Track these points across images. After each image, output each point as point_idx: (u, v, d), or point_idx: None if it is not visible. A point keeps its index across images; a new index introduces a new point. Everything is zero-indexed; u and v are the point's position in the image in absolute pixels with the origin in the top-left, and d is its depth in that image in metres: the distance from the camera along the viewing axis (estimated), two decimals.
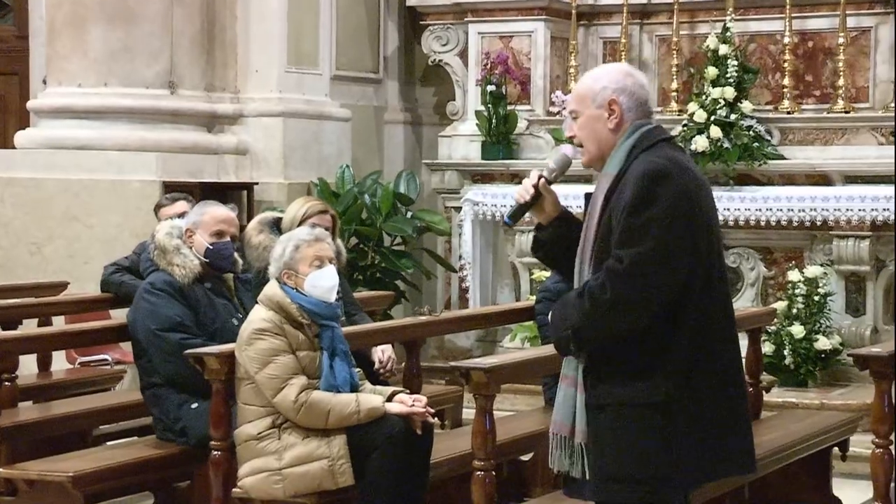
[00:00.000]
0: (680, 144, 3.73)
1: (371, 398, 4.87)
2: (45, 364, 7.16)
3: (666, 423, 3.44)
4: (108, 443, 6.19)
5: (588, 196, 3.64)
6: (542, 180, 3.68)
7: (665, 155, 3.54)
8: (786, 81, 8.66)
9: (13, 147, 9.07)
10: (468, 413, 5.77)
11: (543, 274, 8.29)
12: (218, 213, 5.66)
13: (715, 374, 3.51)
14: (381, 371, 5.84)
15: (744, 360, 6.31)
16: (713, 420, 3.50)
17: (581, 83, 3.68)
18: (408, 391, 5.08)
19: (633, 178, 3.49)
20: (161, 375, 5.41)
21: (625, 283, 3.43)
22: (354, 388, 4.96)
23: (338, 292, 5.20)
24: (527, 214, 3.79)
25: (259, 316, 4.94)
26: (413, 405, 4.88)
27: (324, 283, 4.98)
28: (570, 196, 3.60)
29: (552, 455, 3.66)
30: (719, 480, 3.81)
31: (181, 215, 6.27)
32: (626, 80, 3.60)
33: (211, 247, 5.55)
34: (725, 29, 8.53)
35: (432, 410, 4.98)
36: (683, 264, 3.45)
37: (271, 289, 4.98)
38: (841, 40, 8.52)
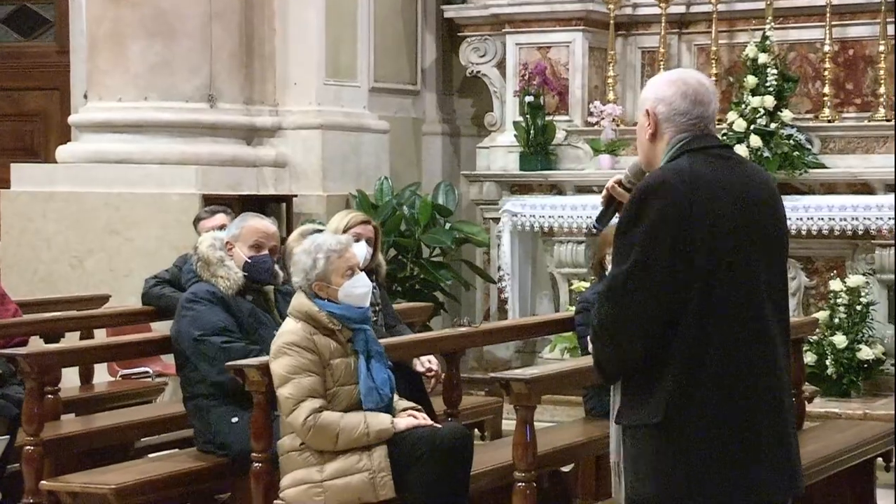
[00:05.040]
0: (719, 153, 3.48)
1: (380, 418, 4.86)
2: (87, 377, 7.19)
3: (668, 445, 3.33)
4: (150, 455, 6.21)
5: None
6: (613, 185, 3.64)
7: (675, 167, 3.40)
8: (826, 90, 8.61)
9: (55, 161, 9.15)
10: (508, 424, 5.77)
11: (583, 284, 8.28)
12: (257, 225, 5.68)
13: (720, 395, 3.32)
14: (430, 376, 5.84)
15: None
16: (723, 444, 3.32)
17: None
18: (420, 408, 5.07)
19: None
20: (207, 383, 5.42)
21: (603, 306, 3.37)
22: (393, 389, 4.97)
23: (376, 303, 5.19)
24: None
25: (288, 328, 4.96)
26: (417, 418, 4.90)
27: (357, 291, 4.99)
28: None
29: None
30: None
31: (221, 228, 6.29)
32: (668, 89, 3.48)
33: (249, 260, 5.57)
34: (765, 37, 8.49)
35: (432, 422, 4.97)
36: (665, 284, 3.29)
37: (298, 300, 4.99)
38: (882, 48, 8.47)
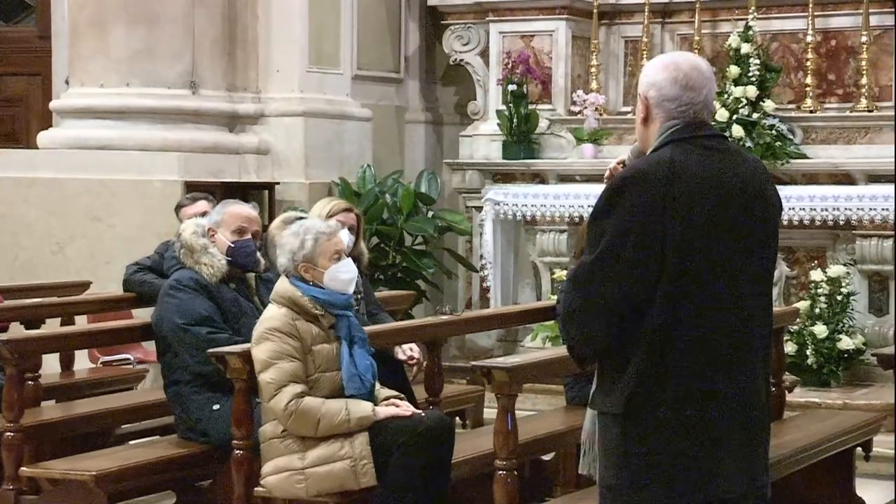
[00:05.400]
0: (707, 143, 3.42)
1: (361, 405, 4.85)
2: (67, 363, 7.18)
3: (629, 434, 3.34)
4: (131, 442, 6.21)
5: None
6: (616, 166, 3.62)
7: (656, 158, 3.37)
8: (808, 80, 8.63)
9: (36, 147, 9.11)
10: (489, 413, 5.78)
11: (565, 273, 8.29)
12: (239, 210, 5.69)
13: (681, 389, 3.30)
14: (412, 364, 5.84)
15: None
16: (682, 437, 3.32)
17: None
18: (402, 397, 5.08)
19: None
20: (190, 371, 5.42)
21: (570, 293, 3.37)
22: (375, 376, 4.98)
23: (358, 291, 5.18)
24: None
25: (271, 314, 4.95)
26: (400, 407, 4.89)
27: (343, 276, 4.99)
28: None
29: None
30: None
31: (202, 215, 6.28)
32: (660, 73, 3.43)
33: (233, 244, 5.57)
34: (747, 27, 8.51)
35: (415, 411, 4.97)
36: (632, 275, 3.28)
37: (282, 285, 4.99)
38: (864, 39, 8.50)
